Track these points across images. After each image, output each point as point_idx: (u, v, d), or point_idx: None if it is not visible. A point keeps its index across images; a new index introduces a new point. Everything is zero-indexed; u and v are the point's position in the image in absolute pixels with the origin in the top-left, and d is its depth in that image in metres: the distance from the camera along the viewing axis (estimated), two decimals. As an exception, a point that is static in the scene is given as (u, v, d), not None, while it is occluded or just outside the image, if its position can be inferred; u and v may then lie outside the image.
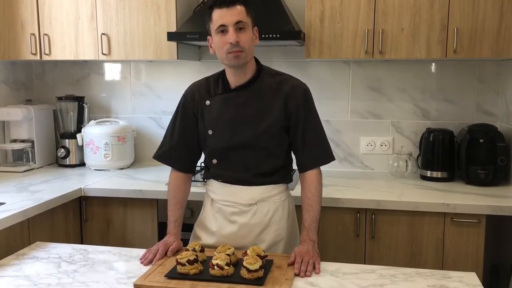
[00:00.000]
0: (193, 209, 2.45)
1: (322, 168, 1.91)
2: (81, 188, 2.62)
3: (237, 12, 1.74)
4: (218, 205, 1.93)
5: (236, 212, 1.90)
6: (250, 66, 1.84)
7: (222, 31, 1.75)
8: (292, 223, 1.97)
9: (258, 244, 1.86)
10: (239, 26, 1.75)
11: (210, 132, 1.88)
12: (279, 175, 1.91)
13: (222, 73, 1.91)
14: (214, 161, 1.91)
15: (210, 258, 1.61)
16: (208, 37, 1.85)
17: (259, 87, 1.86)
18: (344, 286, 1.55)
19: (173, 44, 2.79)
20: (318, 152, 1.90)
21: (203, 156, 2.00)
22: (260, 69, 1.89)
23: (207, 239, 1.92)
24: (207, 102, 1.89)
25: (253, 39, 1.82)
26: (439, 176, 2.76)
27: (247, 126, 1.84)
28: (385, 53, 2.60)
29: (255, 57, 1.88)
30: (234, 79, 1.86)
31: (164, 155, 2.00)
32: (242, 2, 1.77)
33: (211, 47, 1.85)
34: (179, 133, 1.96)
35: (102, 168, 3.08)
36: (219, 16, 1.75)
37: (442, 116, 2.96)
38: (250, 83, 1.86)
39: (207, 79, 1.96)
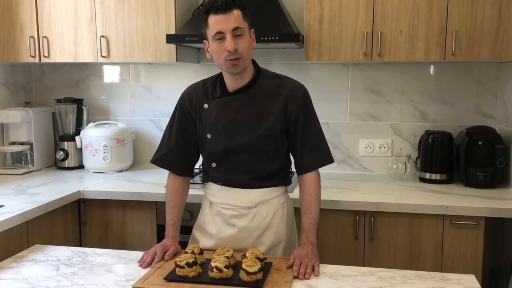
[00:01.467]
0: (192, 212, 2.45)
1: (321, 170, 1.91)
2: (80, 191, 2.62)
3: (234, 18, 1.71)
4: (217, 208, 1.92)
5: (235, 215, 1.89)
6: (248, 69, 1.83)
7: (219, 38, 1.73)
8: (291, 225, 1.97)
9: (258, 246, 1.86)
10: (236, 33, 1.72)
11: (208, 136, 1.88)
12: (278, 178, 1.90)
13: (220, 75, 1.90)
14: (213, 164, 1.90)
15: (209, 260, 1.61)
16: (205, 41, 1.82)
17: (258, 90, 1.84)
18: (343, 288, 1.55)
19: (172, 46, 2.79)
20: (317, 154, 1.89)
21: (201, 158, 2.00)
22: (258, 71, 1.88)
23: (206, 242, 1.91)
24: (205, 106, 1.87)
25: (250, 43, 1.80)
26: (438, 178, 2.76)
27: (246, 130, 1.83)
28: (384, 56, 2.60)
29: (253, 60, 1.86)
30: (232, 83, 1.85)
31: (161, 159, 1.98)
32: (238, 6, 1.73)
33: (207, 51, 1.83)
34: (176, 136, 1.94)
35: (101, 171, 3.08)
36: (216, 22, 1.71)
37: (441, 118, 2.96)
38: (248, 87, 1.84)
39: (204, 81, 1.94)
